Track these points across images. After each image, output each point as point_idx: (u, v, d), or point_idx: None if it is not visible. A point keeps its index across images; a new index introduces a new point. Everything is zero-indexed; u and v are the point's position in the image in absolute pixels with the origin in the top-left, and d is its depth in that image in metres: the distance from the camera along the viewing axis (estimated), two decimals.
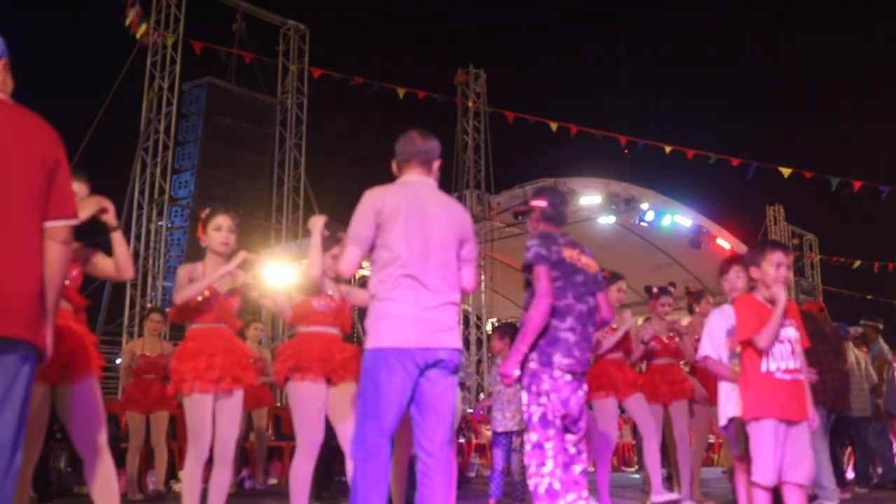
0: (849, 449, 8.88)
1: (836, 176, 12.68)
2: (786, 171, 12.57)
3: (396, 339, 3.11)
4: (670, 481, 6.89)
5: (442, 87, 15.33)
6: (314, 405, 4.06)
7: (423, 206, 3.27)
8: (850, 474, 8.24)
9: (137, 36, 12.45)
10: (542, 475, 3.57)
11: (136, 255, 12.23)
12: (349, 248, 3.24)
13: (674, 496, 5.64)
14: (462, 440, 10.97)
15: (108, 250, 3.48)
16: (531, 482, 3.61)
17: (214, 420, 3.88)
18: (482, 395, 14.10)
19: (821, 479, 5.62)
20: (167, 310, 5.73)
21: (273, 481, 8.84)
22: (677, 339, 6.03)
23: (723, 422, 4.08)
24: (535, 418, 3.65)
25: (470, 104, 15.11)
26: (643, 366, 6.27)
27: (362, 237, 3.21)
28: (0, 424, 2.19)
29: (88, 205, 3.17)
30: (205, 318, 3.95)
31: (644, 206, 13.95)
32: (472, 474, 10.72)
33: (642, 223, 14.24)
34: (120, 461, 8.15)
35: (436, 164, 3.42)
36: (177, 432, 8.01)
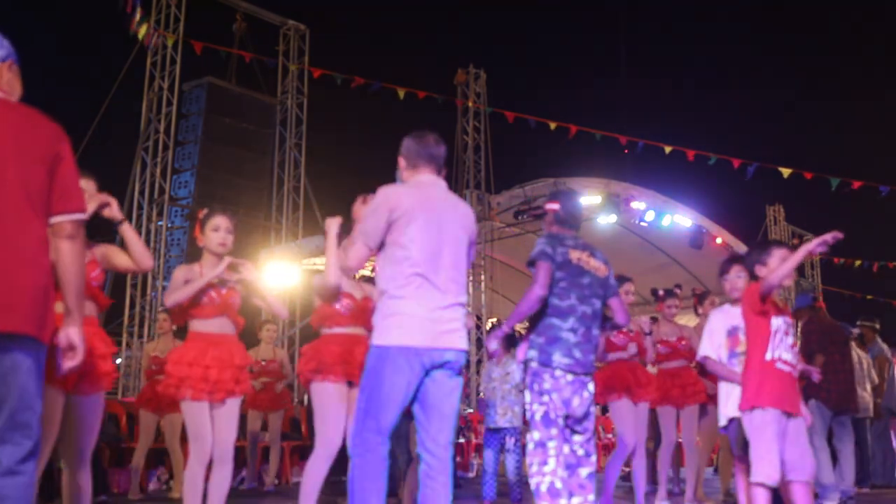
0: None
1: (836, 176, 12.70)
2: (786, 172, 12.58)
3: (404, 337, 3.11)
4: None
5: (442, 87, 15.30)
6: (336, 407, 4.05)
7: (437, 206, 3.28)
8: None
9: (139, 36, 12.43)
10: (544, 474, 3.59)
11: None
12: (358, 246, 3.25)
13: None
14: (461, 440, 10.96)
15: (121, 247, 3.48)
16: (533, 481, 3.62)
17: (213, 421, 3.86)
18: (481, 394, 14.07)
19: (821, 478, 5.63)
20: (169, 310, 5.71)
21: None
22: (684, 341, 6.08)
23: (723, 422, 4.10)
24: (538, 417, 3.67)
25: (470, 104, 15.08)
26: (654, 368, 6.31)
27: (373, 235, 3.21)
28: None
29: (90, 202, 3.16)
30: (206, 313, 3.91)
31: (644, 206, 13.94)
32: (472, 474, 10.70)
33: (642, 223, 14.21)
34: (120, 460, 8.16)
35: (443, 172, 3.45)
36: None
